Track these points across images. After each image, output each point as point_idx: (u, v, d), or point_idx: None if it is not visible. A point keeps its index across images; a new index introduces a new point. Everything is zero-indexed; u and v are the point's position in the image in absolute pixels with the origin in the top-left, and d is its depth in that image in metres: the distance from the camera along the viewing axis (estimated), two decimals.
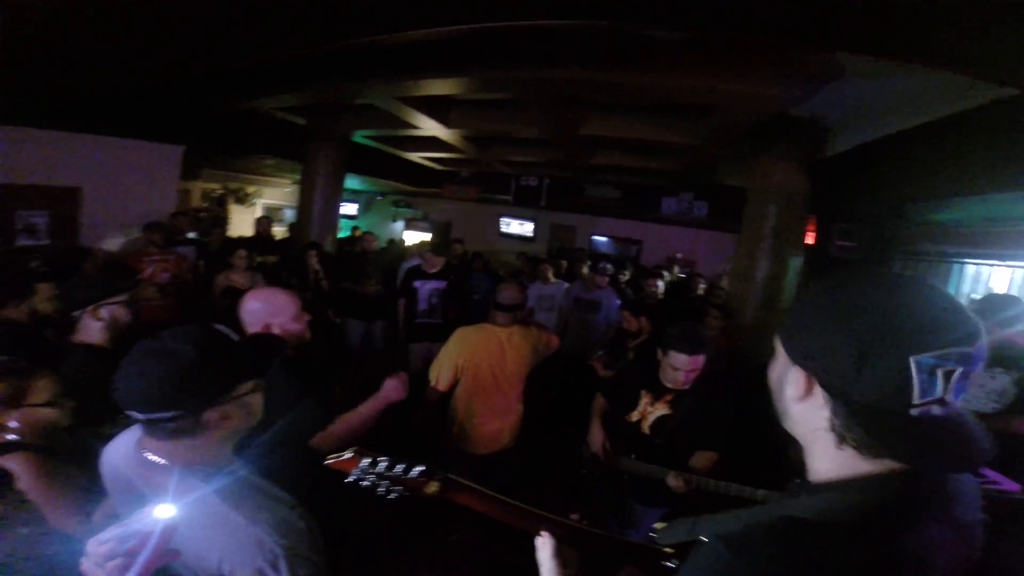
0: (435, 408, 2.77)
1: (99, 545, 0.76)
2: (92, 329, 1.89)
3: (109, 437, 1.11)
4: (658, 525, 0.88)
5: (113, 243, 5.13)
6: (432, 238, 10.22)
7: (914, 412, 0.56)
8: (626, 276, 5.97)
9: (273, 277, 4.97)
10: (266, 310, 1.76)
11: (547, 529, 0.88)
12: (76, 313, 1.89)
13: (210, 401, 0.99)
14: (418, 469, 0.90)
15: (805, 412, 0.67)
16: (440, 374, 2.68)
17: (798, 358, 0.66)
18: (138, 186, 5.37)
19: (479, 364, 2.67)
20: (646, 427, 2.31)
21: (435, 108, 4.87)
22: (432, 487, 0.90)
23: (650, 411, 2.31)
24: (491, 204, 10.06)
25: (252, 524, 0.94)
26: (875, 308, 0.59)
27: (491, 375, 2.69)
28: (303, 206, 6.69)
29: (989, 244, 3.90)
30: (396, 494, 0.90)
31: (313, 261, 5.22)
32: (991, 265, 4.06)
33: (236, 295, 4.29)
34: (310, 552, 0.98)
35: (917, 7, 1.83)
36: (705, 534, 0.71)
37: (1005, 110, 2.68)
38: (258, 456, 1.11)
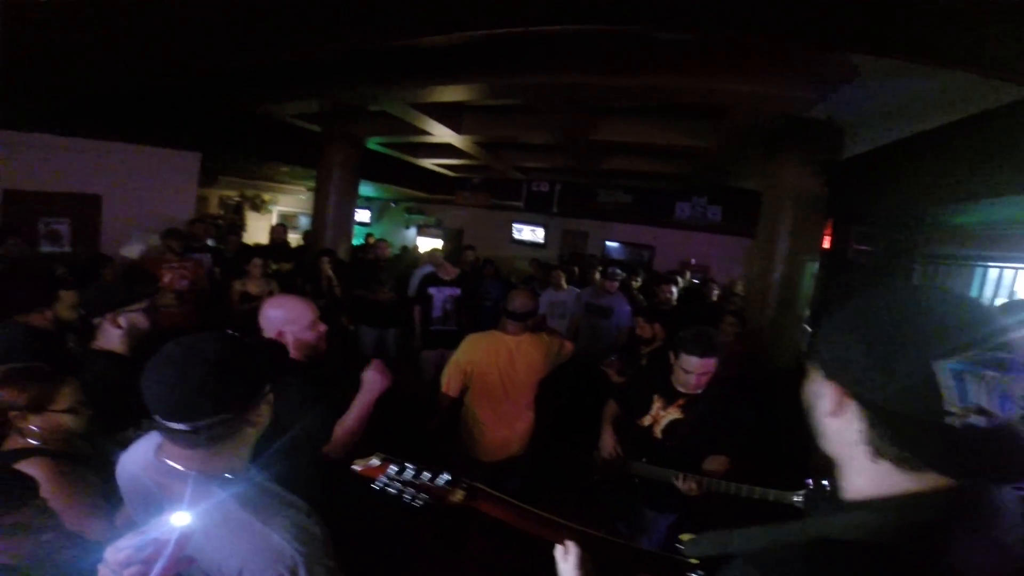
0: (447, 413, 2.79)
1: (116, 552, 0.77)
2: (112, 336, 1.92)
3: (127, 443, 1.13)
4: (684, 537, 0.86)
5: (132, 250, 5.22)
6: (444, 245, 10.28)
7: (950, 421, 0.54)
8: (638, 282, 5.94)
9: (288, 284, 5.03)
10: (281, 317, 1.79)
11: (571, 539, 0.87)
12: (96, 320, 1.92)
13: (251, 400, 1.01)
14: (444, 478, 0.91)
15: (839, 427, 0.66)
16: (449, 380, 2.71)
17: (828, 372, 0.66)
18: (157, 193, 5.48)
19: (487, 371, 2.68)
20: (658, 431, 2.29)
21: (447, 114, 4.90)
22: (457, 495, 0.91)
23: (662, 415, 2.30)
24: (503, 210, 10.08)
25: (272, 530, 0.94)
26: (892, 313, 0.59)
27: (499, 382, 2.69)
28: (317, 213, 6.76)
29: (1012, 247, 3.82)
30: (421, 502, 0.91)
31: (326, 268, 5.26)
32: (1014, 268, 3.97)
33: (252, 301, 4.37)
34: (326, 558, 0.98)
35: (937, 7, 1.81)
36: (736, 550, 0.69)
37: None
38: (271, 463, 1.11)
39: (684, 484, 2.04)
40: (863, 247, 4.84)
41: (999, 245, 3.90)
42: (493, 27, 2.58)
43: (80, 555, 0.97)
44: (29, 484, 1.02)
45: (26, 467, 1.28)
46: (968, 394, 0.54)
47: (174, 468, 0.98)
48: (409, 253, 8.83)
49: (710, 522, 2.49)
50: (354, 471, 0.94)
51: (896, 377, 0.56)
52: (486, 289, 5.35)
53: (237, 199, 9.70)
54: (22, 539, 0.95)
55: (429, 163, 8.03)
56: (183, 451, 0.97)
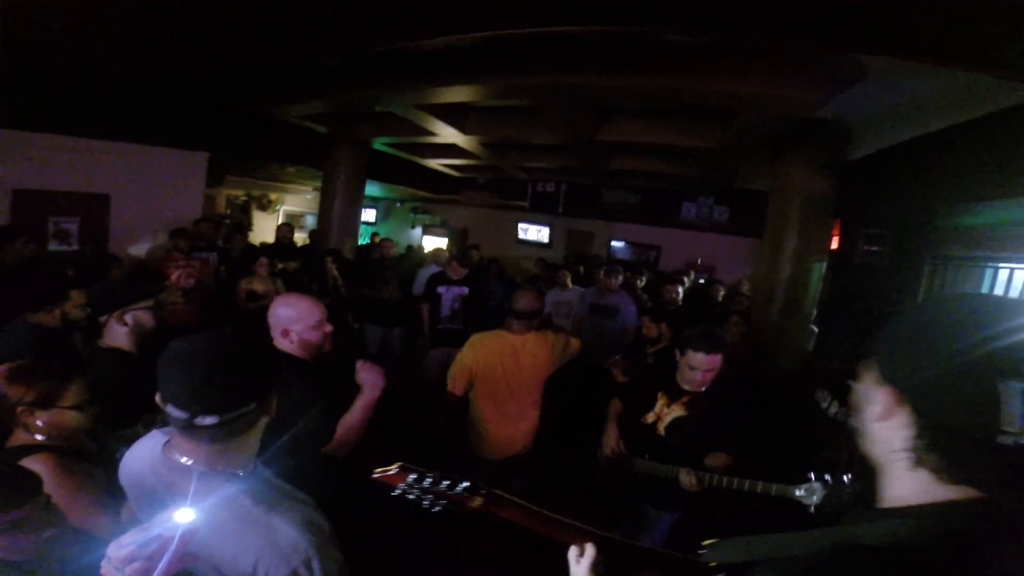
0: (454, 411, 2.80)
1: (119, 549, 0.77)
2: (118, 334, 1.93)
3: (132, 440, 1.13)
4: (707, 542, 0.85)
5: (140, 249, 5.25)
6: (449, 244, 10.29)
7: (1003, 440, 0.55)
8: (642, 282, 5.91)
9: (294, 283, 5.05)
10: (288, 316, 1.80)
11: (587, 542, 0.86)
12: (102, 318, 1.93)
13: (270, 390, 1.03)
14: (463, 485, 0.92)
15: (884, 432, 0.66)
16: (455, 379, 2.73)
17: (886, 377, 0.66)
18: (164, 193, 5.50)
19: (492, 370, 2.68)
20: (662, 428, 2.29)
21: (453, 115, 4.91)
22: (476, 502, 0.92)
23: (666, 413, 2.30)
24: (508, 210, 10.08)
25: (285, 524, 0.95)
26: (970, 331, 0.58)
27: (504, 381, 2.69)
28: (324, 213, 6.78)
29: (1021, 248, 3.78)
30: (440, 508, 0.92)
31: (331, 267, 5.28)
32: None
33: (258, 300, 4.39)
34: (336, 551, 1.00)
35: (945, 6, 1.79)
36: (761, 556, 0.69)
37: None
38: (274, 460, 1.12)
39: (686, 478, 2.04)
40: (871, 248, 4.81)
41: (1008, 246, 3.86)
42: (498, 28, 2.58)
43: (83, 552, 0.97)
44: (33, 480, 1.02)
45: (32, 463, 1.29)
46: None
47: (185, 464, 0.97)
48: (414, 253, 8.85)
49: (712, 521, 2.49)
50: (374, 479, 0.95)
51: (959, 393, 0.57)
52: (490, 289, 5.35)
53: (244, 199, 9.75)
54: (25, 535, 0.96)
55: (435, 163, 8.04)
56: (197, 446, 0.97)
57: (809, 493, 1.79)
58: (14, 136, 4.23)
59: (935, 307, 0.64)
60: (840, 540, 0.63)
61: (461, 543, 2.79)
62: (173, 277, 4.18)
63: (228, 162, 6.94)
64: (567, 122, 4.38)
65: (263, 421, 1.04)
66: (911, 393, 0.62)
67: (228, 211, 9.30)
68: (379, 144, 6.67)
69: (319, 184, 7.00)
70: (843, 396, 3.31)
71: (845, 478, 1.76)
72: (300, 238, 8.05)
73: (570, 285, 5.23)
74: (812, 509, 1.77)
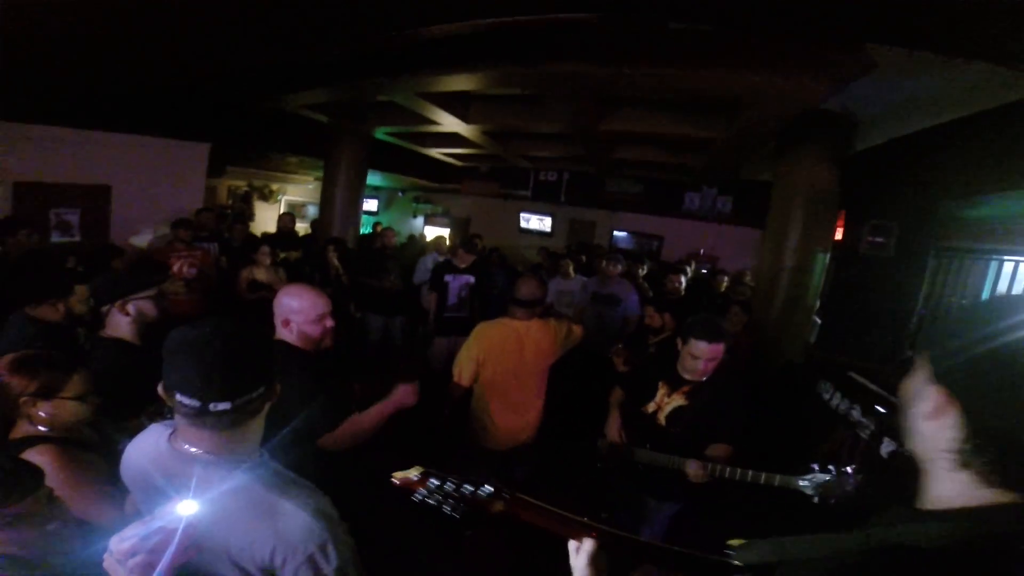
0: (460, 403, 2.79)
1: (121, 542, 0.77)
2: (121, 324, 1.93)
3: (135, 431, 1.13)
4: (734, 541, 0.84)
5: (142, 239, 5.26)
6: (451, 233, 10.28)
7: None
8: (644, 270, 5.89)
9: (296, 272, 5.05)
10: (289, 307, 1.79)
11: (605, 541, 0.86)
12: (104, 308, 1.94)
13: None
14: (486, 490, 0.92)
15: (933, 431, 0.65)
16: (461, 369, 2.70)
17: (939, 375, 0.65)
18: (166, 183, 5.49)
19: (499, 359, 2.68)
20: (662, 418, 2.29)
21: (455, 104, 4.87)
22: (498, 506, 0.91)
23: (667, 402, 2.30)
24: (510, 200, 10.05)
25: (299, 510, 0.96)
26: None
27: (511, 369, 2.69)
28: (326, 202, 6.76)
29: None
30: (460, 513, 0.91)
31: (332, 257, 5.28)
32: None
33: (260, 289, 4.40)
34: (347, 536, 1.01)
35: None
36: (792, 557, 0.69)
37: None
38: (275, 452, 1.12)
39: (694, 469, 2.04)
40: (876, 240, 4.77)
41: (1014, 238, 3.84)
42: (503, 15, 2.55)
43: (86, 545, 0.98)
44: (35, 474, 1.02)
45: (35, 454, 1.29)
46: None
47: (194, 453, 0.97)
48: (416, 242, 8.83)
49: (712, 513, 2.49)
50: (393, 484, 0.94)
51: (1010, 397, 0.56)
52: (493, 277, 5.35)
53: (246, 189, 9.73)
54: (28, 529, 0.96)
55: (437, 152, 7.99)
56: (207, 435, 0.96)
57: (812, 484, 1.79)
58: (15, 128, 4.21)
59: (989, 306, 0.63)
60: (880, 541, 0.62)
61: (463, 538, 2.80)
62: (175, 267, 4.18)
63: (229, 152, 6.91)
64: (570, 111, 4.34)
65: (266, 407, 1.04)
66: (961, 393, 0.61)
67: (230, 201, 9.29)
68: (381, 133, 6.63)
69: (321, 174, 6.98)
70: (845, 388, 3.31)
71: (848, 469, 1.76)
72: (302, 228, 8.04)
73: (572, 274, 5.23)
74: (816, 500, 1.77)
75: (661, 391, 2.33)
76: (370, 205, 11.12)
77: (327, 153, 6.60)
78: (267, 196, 10.08)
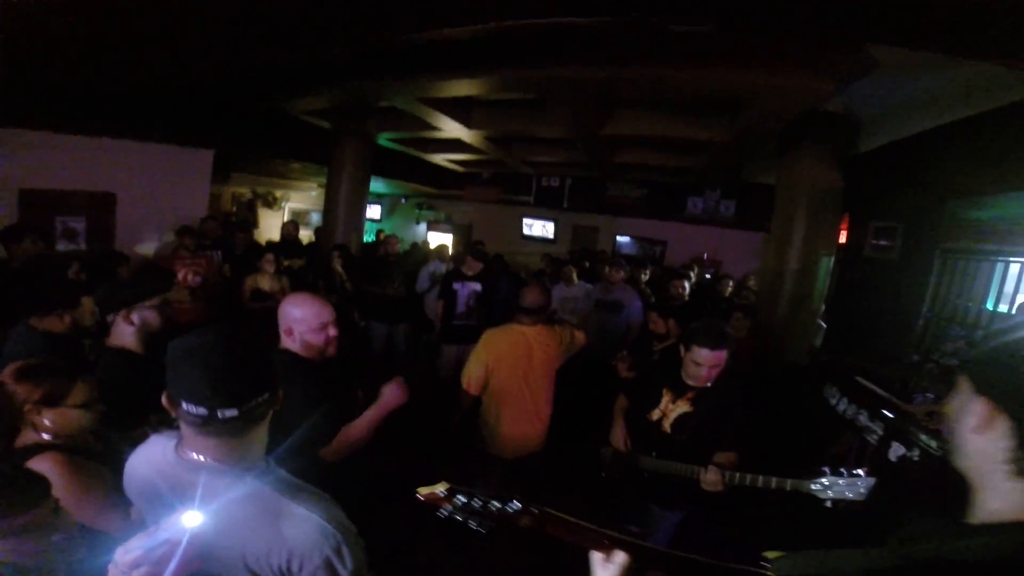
0: (469, 412, 2.79)
1: (126, 553, 0.76)
2: (125, 333, 1.93)
3: (140, 440, 1.12)
4: (770, 554, 0.82)
5: (147, 247, 5.27)
6: (454, 240, 10.28)
7: None
8: (646, 276, 5.88)
9: (299, 280, 5.06)
10: (292, 316, 1.79)
11: (634, 554, 0.85)
12: (109, 317, 1.94)
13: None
14: (513, 506, 0.91)
15: (983, 444, 0.65)
16: (471, 377, 2.71)
17: (980, 387, 0.65)
18: (170, 190, 5.51)
19: (508, 364, 2.68)
20: (667, 425, 2.27)
21: (457, 109, 4.88)
22: (526, 520, 0.91)
23: (671, 409, 2.28)
24: (513, 205, 10.06)
25: (312, 513, 0.96)
26: None
27: (520, 375, 2.69)
28: (329, 209, 6.78)
29: None
30: (487, 529, 0.92)
31: (337, 264, 5.29)
32: None
33: (264, 298, 4.41)
34: (358, 538, 1.01)
35: None
36: (834, 571, 0.68)
37: None
38: (279, 461, 1.11)
39: (706, 476, 2.01)
40: (880, 242, 4.76)
41: (1020, 239, 3.81)
42: (505, 19, 2.55)
43: (90, 556, 0.97)
44: (41, 484, 1.02)
45: (41, 462, 1.29)
46: None
47: (201, 462, 0.97)
48: (419, 249, 8.83)
49: (718, 521, 2.46)
50: (419, 499, 0.94)
51: None
52: (497, 284, 5.35)
53: (249, 196, 9.77)
54: (33, 539, 0.95)
55: (439, 159, 8.02)
56: (214, 442, 0.96)
57: (824, 488, 1.76)
58: (21, 136, 4.24)
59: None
60: (932, 554, 0.61)
61: (467, 544, 2.79)
62: (180, 275, 4.19)
63: (233, 159, 6.95)
64: (573, 115, 4.34)
65: (270, 413, 1.04)
66: (1007, 401, 0.61)
67: (234, 208, 9.32)
68: (383, 140, 6.65)
69: (324, 180, 7.00)
70: (851, 392, 3.29)
71: (860, 471, 1.74)
72: (306, 235, 8.06)
73: (576, 280, 5.22)
74: (828, 503, 1.75)
75: (665, 398, 2.31)
76: (373, 212, 11.15)
77: (330, 159, 6.63)
78: (271, 203, 10.12)
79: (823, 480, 1.77)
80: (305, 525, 0.94)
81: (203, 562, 0.89)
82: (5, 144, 4.15)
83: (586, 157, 6.30)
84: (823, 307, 4.62)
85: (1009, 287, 3.96)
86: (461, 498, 0.92)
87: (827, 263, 4.23)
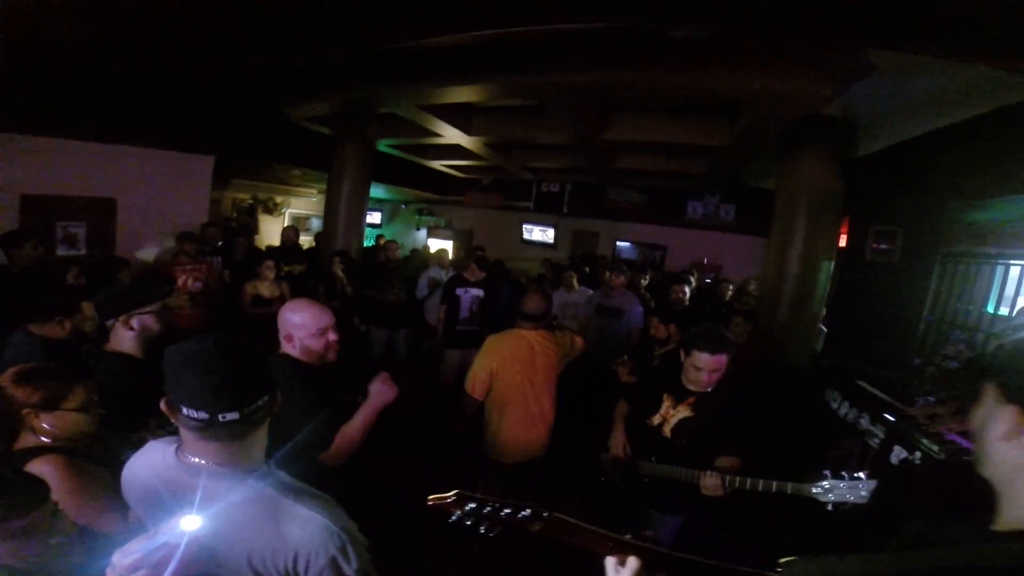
0: (473, 417, 2.79)
1: (124, 557, 0.76)
2: (124, 338, 1.93)
3: (139, 445, 1.12)
4: (784, 559, 0.80)
5: (147, 253, 5.28)
6: (454, 245, 10.29)
7: None
8: (645, 280, 5.88)
9: (299, 286, 5.06)
10: (291, 322, 1.79)
11: (648, 559, 0.85)
12: (108, 322, 1.94)
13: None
14: (525, 512, 0.92)
15: (1011, 452, 0.64)
16: (475, 382, 2.71)
17: (1008, 395, 0.65)
18: (170, 196, 5.51)
19: (512, 367, 2.68)
20: (667, 430, 2.26)
21: (457, 115, 4.90)
22: (537, 526, 0.91)
23: (672, 414, 2.27)
24: (513, 211, 10.08)
25: (316, 513, 0.96)
26: None
27: (524, 378, 2.69)
28: (329, 215, 6.78)
29: None
30: (496, 533, 0.92)
31: (338, 269, 5.29)
32: None
33: (263, 304, 4.41)
34: (361, 536, 1.01)
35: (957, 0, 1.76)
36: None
37: None
38: (279, 466, 1.11)
39: (706, 480, 2.00)
40: (881, 246, 4.76)
41: (1020, 242, 3.82)
42: (504, 26, 2.57)
43: (88, 559, 0.97)
44: (40, 488, 1.02)
45: (40, 464, 1.29)
46: None
47: (203, 466, 0.97)
48: (419, 254, 8.84)
49: (718, 526, 2.45)
50: (430, 506, 0.94)
51: None
52: (498, 290, 5.36)
53: (250, 202, 9.79)
54: (32, 542, 0.95)
55: (439, 165, 8.04)
56: (215, 446, 0.96)
57: (825, 491, 1.75)
58: (21, 141, 4.25)
59: None
60: (952, 563, 0.61)
61: (468, 547, 2.77)
62: (180, 281, 4.20)
63: (234, 165, 6.96)
64: (573, 121, 4.36)
65: (269, 417, 1.04)
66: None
67: (234, 214, 9.34)
68: (383, 146, 6.68)
69: (324, 186, 7.02)
70: (853, 396, 3.28)
71: (861, 475, 1.73)
72: (306, 241, 8.07)
73: (576, 286, 5.22)
74: (829, 507, 1.74)
75: (666, 403, 2.30)
76: (373, 217, 11.17)
77: (330, 165, 6.63)
78: (271, 209, 10.14)
79: (824, 483, 1.75)
80: (310, 525, 0.94)
81: (207, 566, 0.89)
82: (6, 149, 4.16)
83: (586, 162, 6.32)
84: (824, 311, 4.62)
85: (1010, 290, 3.97)
86: (472, 504, 0.93)
87: (827, 267, 4.23)
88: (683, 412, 2.24)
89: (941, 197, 4.20)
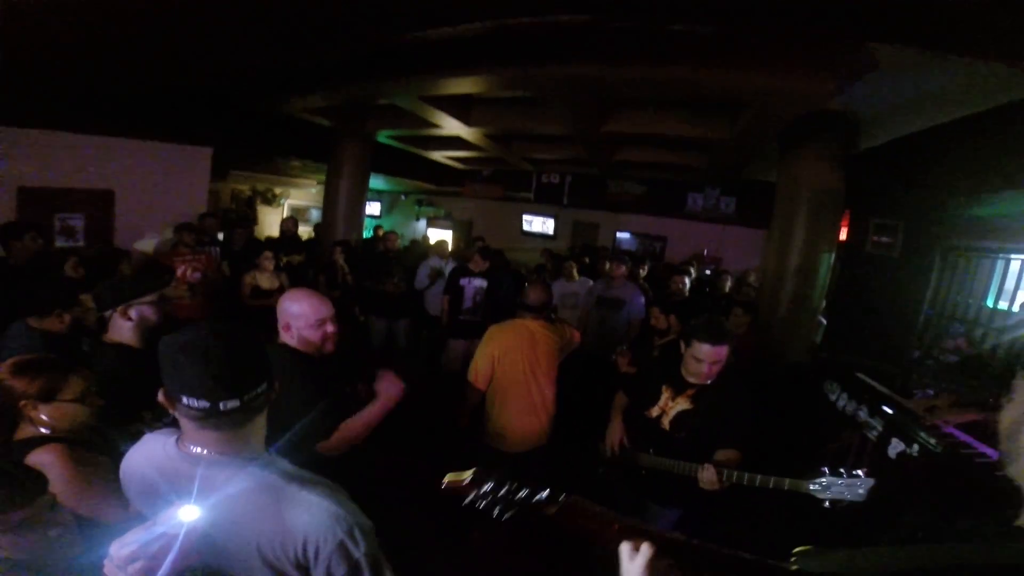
0: (476, 407, 2.81)
1: (121, 548, 0.76)
2: (123, 329, 1.93)
3: (137, 436, 1.12)
4: (798, 549, 0.80)
5: (146, 244, 5.27)
6: (454, 236, 10.27)
7: None
8: (644, 271, 5.87)
9: (298, 277, 5.06)
10: (289, 312, 1.79)
11: (663, 545, 0.84)
12: (107, 313, 1.93)
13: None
14: (542, 494, 0.91)
15: None
16: (478, 372, 2.72)
17: None
18: (169, 188, 5.50)
19: (514, 354, 2.69)
20: (666, 423, 2.26)
21: (457, 107, 4.87)
22: (552, 509, 0.91)
23: (671, 406, 2.26)
24: (513, 202, 10.05)
25: (322, 498, 0.96)
26: None
27: (526, 366, 2.70)
28: (328, 206, 6.78)
29: None
30: (509, 515, 0.91)
31: (339, 258, 5.29)
32: None
33: (263, 295, 4.41)
34: (366, 519, 1.01)
35: None
36: (865, 569, 0.67)
37: None
38: (280, 454, 1.11)
39: (703, 474, 1.99)
40: (881, 239, 4.75)
41: (1020, 236, 3.81)
42: (505, 17, 2.54)
43: (87, 551, 0.97)
44: (38, 480, 1.02)
45: (41, 454, 1.30)
46: None
47: (205, 455, 0.97)
48: (419, 245, 8.82)
49: (715, 518, 2.45)
50: (445, 487, 0.94)
51: None
52: (500, 281, 5.36)
53: (249, 193, 9.76)
54: (31, 534, 0.96)
55: (439, 156, 8.00)
56: (215, 435, 0.96)
57: (822, 488, 1.75)
58: (19, 133, 4.23)
59: None
60: (971, 559, 0.60)
61: (462, 535, 2.79)
62: (180, 271, 4.20)
63: (232, 156, 6.93)
64: (573, 113, 4.33)
65: (267, 405, 1.05)
66: None
67: (233, 205, 9.32)
68: (383, 137, 6.64)
69: (324, 177, 7.00)
70: (852, 389, 3.29)
71: (859, 472, 1.73)
72: (305, 232, 8.06)
73: (576, 276, 5.22)
74: (827, 504, 1.74)
75: (665, 395, 2.29)
76: (373, 208, 11.14)
77: (330, 156, 6.62)
78: (270, 200, 10.11)
79: (822, 480, 1.75)
80: (316, 511, 0.94)
81: (208, 557, 0.89)
82: (4, 142, 4.14)
83: (586, 154, 6.28)
84: (824, 304, 4.62)
85: (1010, 284, 3.96)
86: (490, 484, 0.92)
87: (828, 260, 4.22)
88: (682, 404, 2.24)
89: (942, 191, 4.18)
